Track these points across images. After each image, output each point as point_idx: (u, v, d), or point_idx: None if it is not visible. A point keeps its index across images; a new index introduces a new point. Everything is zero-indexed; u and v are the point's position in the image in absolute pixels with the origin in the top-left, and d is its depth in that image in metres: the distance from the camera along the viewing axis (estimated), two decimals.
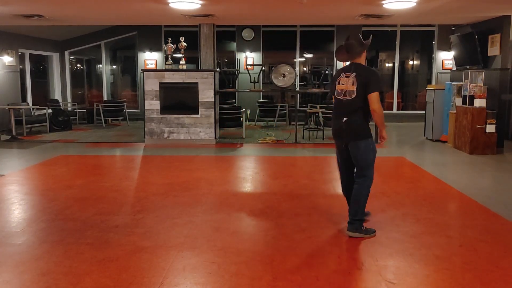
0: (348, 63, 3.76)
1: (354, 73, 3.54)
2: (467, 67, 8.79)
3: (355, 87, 3.51)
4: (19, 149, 8.10)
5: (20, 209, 4.48)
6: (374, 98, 3.45)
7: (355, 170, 3.75)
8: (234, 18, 9.67)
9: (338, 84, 3.63)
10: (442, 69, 12.01)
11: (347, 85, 3.56)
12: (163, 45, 10.89)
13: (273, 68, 9.04)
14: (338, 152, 3.79)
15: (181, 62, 8.80)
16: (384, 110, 12.61)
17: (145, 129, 8.77)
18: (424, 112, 9.47)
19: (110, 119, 11.88)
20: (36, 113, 10.88)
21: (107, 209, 4.41)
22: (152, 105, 8.70)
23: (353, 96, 3.52)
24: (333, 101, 3.79)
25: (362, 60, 3.65)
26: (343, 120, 3.56)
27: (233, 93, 12.20)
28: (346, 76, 3.59)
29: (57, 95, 13.01)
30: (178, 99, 8.74)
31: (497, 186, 5.63)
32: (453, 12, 7.97)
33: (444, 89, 8.78)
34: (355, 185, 3.67)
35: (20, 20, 8.99)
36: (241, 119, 9.47)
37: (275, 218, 4.15)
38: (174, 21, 10.33)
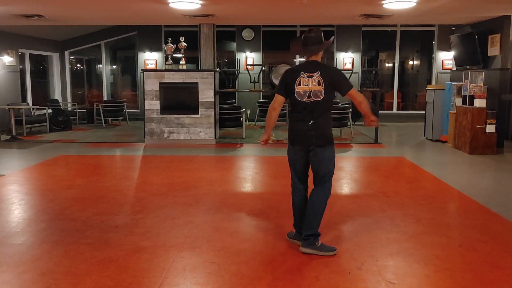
0: (295, 60, 3.55)
1: (318, 72, 3.25)
2: (467, 67, 8.79)
3: (322, 87, 3.24)
4: (19, 149, 8.10)
5: (20, 209, 4.48)
6: (355, 92, 3.28)
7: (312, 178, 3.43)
8: (234, 18, 9.67)
9: (299, 85, 3.26)
10: (442, 69, 12.02)
11: (311, 85, 3.24)
12: (163, 45, 10.89)
13: (273, 68, 9.05)
14: (295, 159, 3.39)
15: (181, 62, 8.80)
16: (384, 110, 12.71)
17: (145, 129, 8.77)
18: (424, 112, 9.48)
19: (110, 119, 11.88)
20: (36, 113, 10.88)
21: (107, 209, 4.41)
22: (152, 105, 8.70)
23: (321, 97, 3.24)
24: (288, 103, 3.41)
25: (319, 58, 3.39)
26: (310, 123, 3.26)
27: (233, 93, 12.20)
28: (308, 76, 3.25)
29: (57, 95, 13.01)
30: (178, 99, 8.74)
31: (497, 186, 5.63)
32: (453, 12, 7.98)
33: (444, 89, 8.78)
34: (314, 195, 3.35)
35: (20, 20, 8.99)
36: (241, 119, 9.47)
37: (275, 218, 4.15)
38: (174, 21, 10.33)
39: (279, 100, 3.36)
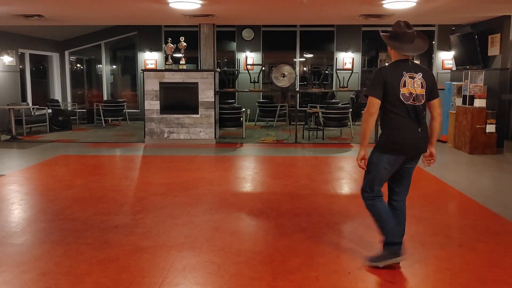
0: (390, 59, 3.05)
1: (420, 74, 2.94)
2: (467, 67, 8.79)
3: (424, 90, 2.93)
4: (19, 149, 8.10)
5: (20, 209, 4.48)
6: (439, 102, 3.05)
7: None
8: (234, 18, 9.66)
9: (404, 86, 2.89)
10: (442, 69, 12.02)
11: (414, 88, 2.91)
12: (163, 45, 10.89)
13: (273, 68, 9.05)
14: (388, 169, 3.01)
15: (181, 62, 8.80)
16: None
17: (145, 129, 8.77)
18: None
19: (110, 119, 11.89)
20: (36, 113, 10.88)
21: (107, 209, 4.41)
22: (152, 105, 8.70)
23: (423, 102, 2.93)
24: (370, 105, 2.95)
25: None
26: (419, 130, 2.93)
27: (233, 93, 12.20)
28: (410, 77, 2.91)
29: (57, 95, 13.01)
30: (178, 99, 8.74)
31: (497, 186, 5.63)
32: (453, 12, 7.97)
33: (444, 89, 8.78)
34: (404, 207, 3.14)
35: (20, 20, 8.99)
36: (241, 119, 9.47)
37: (275, 218, 4.15)
38: (174, 21, 10.33)
39: (376, 104, 2.92)
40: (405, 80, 2.90)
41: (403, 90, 2.89)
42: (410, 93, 2.90)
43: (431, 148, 3.07)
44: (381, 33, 3.10)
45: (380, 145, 3.02)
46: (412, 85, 2.90)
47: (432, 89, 2.97)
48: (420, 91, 2.92)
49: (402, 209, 3.12)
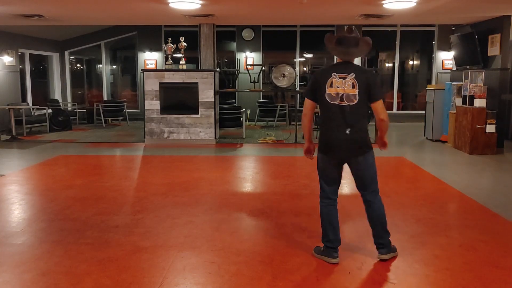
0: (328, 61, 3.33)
1: (353, 74, 2.99)
2: (467, 67, 8.79)
3: (356, 90, 2.98)
4: (19, 149, 8.10)
5: (20, 209, 4.48)
6: (380, 106, 3.01)
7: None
8: (234, 18, 9.67)
9: (330, 86, 3.01)
10: (442, 69, 12.02)
11: (343, 87, 2.99)
12: (163, 45, 10.89)
13: (273, 68, 9.05)
14: (326, 168, 3.17)
15: (181, 62, 8.80)
16: None
17: (145, 129, 8.77)
18: (424, 112, 9.48)
19: (110, 119, 11.89)
20: (36, 113, 10.88)
21: (107, 209, 4.41)
22: (152, 105, 8.70)
23: (355, 102, 2.99)
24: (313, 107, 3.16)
25: (353, 59, 3.15)
26: (347, 132, 3.00)
27: (233, 93, 12.20)
28: (341, 78, 3.00)
29: (57, 95, 13.01)
30: (178, 99, 8.74)
31: (497, 186, 5.62)
32: (453, 12, 7.98)
33: (444, 89, 8.78)
34: (377, 205, 3.18)
35: (20, 20, 8.99)
36: (241, 119, 9.47)
37: (275, 218, 4.15)
38: (174, 21, 10.34)
39: (308, 104, 3.12)
40: (332, 81, 3.02)
41: (329, 90, 3.02)
42: (337, 93, 3.01)
43: (383, 138, 3.21)
44: (326, 36, 3.17)
45: (318, 143, 3.18)
46: (342, 85, 3.00)
47: (370, 91, 3.00)
48: (350, 91, 2.99)
49: (376, 207, 3.19)
